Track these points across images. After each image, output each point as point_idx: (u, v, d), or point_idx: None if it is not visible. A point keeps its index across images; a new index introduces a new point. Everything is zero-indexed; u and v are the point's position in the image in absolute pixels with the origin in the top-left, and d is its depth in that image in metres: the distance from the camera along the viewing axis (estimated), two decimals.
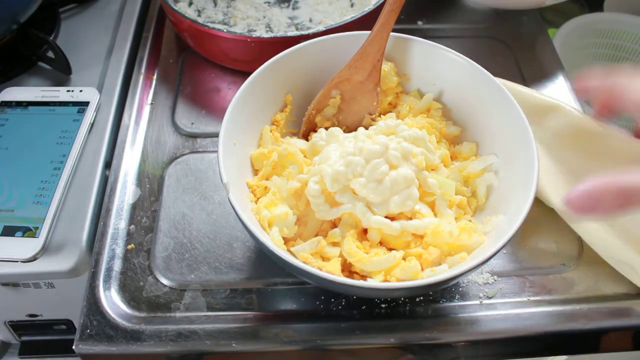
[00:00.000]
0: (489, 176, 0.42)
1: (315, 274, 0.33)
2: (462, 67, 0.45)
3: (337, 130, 0.44)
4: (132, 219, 0.48)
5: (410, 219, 0.39)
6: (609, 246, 0.43)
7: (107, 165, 0.53)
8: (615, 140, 0.48)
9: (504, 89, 0.42)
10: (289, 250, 0.39)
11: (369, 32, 0.47)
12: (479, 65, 0.44)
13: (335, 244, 0.40)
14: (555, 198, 0.45)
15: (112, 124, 0.56)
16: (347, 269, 0.39)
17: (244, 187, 0.42)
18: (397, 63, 0.48)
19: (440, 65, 0.46)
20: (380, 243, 0.40)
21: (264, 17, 0.64)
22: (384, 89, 0.48)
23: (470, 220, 0.41)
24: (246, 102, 0.43)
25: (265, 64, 0.44)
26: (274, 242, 0.37)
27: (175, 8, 0.58)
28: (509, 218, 0.37)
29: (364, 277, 0.38)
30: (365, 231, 0.40)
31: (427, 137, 0.42)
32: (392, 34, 0.47)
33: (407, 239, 0.39)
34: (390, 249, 0.39)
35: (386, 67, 0.47)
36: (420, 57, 0.47)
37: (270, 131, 0.45)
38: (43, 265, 0.45)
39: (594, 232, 0.43)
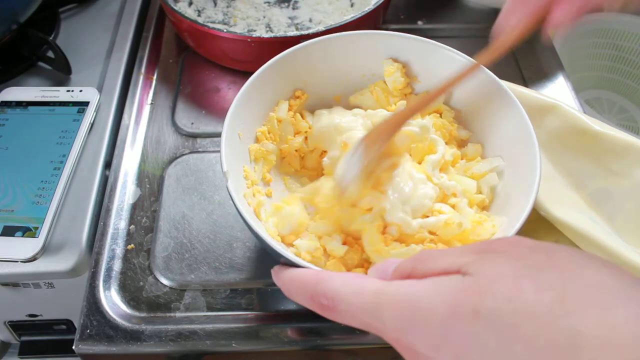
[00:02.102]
0: (492, 178, 0.42)
1: (309, 268, 0.33)
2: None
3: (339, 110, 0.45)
4: (132, 219, 0.48)
5: (427, 217, 0.39)
6: (609, 249, 0.42)
7: (107, 165, 0.53)
8: (613, 140, 0.48)
9: (511, 93, 0.42)
10: (289, 244, 0.39)
11: (372, 31, 0.47)
12: (485, 68, 0.44)
13: (345, 242, 0.40)
14: (549, 206, 0.45)
15: (112, 124, 0.56)
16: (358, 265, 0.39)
17: (242, 180, 0.42)
18: (406, 64, 0.48)
19: (447, 66, 0.46)
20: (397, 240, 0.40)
21: (264, 17, 0.64)
22: (391, 90, 0.48)
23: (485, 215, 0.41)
24: (253, 96, 0.43)
25: (276, 57, 0.44)
26: (268, 234, 0.37)
27: (175, 8, 0.58)
28: (510, 220, 0.38)
29: None
30: (385, 227, 0.40)
31: (431, 129, 0.43)
32: (401, 34, 0.46)
33: (423, 234, 0.39)
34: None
35: (393, 67, 0.47)
36: (429, 58, 0.47)
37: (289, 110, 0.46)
38: (43, 265, 0.45)
39: (591, 235, 0.43)
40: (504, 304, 0.21)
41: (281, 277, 0.33)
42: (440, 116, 0.47)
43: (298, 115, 0.47)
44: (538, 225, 0.46)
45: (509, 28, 0.35)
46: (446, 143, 0.45)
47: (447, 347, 0.22)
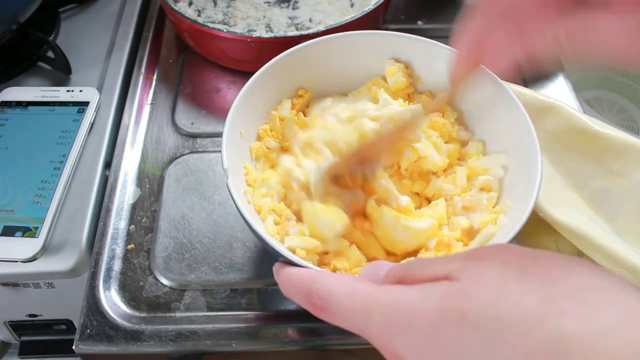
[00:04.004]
0: (497, 171, 0.42)
1: (308, 267, 0.33)
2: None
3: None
4: (132, 219, 0.48)
5: None
6: (607, 250, 0.42)
7: (107, 165, 0.53)
8: (613, 140, 0.48)
9: (514, 96, 0.42)
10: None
11: (376, 31, 0.47)
12: (487, 69, 0.44)
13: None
14: (548, 207, 0.45)
15: (112, 124, 0.56)
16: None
17: (243, 177, 0.42)
18: (409, 64, 0.48)
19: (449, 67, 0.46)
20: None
21: (264, 17, 0.64)
22: (393, 90, 0.48)
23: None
24: (255, 94, 0.43)
25: (279, 56, 0.44)
26: (267, 232, 0.37)
27: (175, 8, 0.58)
28: (510, 221, 0.38)
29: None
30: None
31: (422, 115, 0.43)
32: (403, 34, 0.46)
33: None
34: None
35: (394, 67, 0.47)
36: (432, 59, 0.46)
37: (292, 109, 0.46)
38: (43, 265, 0.45)
39: (591, 236, 0.43)
40: (488, 309, 0.21)
41: (280, 274, 0.33)
42: (442, 116, 0.47)
43: (301, 114, 0.47)
44: (538, 226, 0.46)
45: (455, 77, 0.37)
46: (445, 143, 0.45)
47: (431, 353, 0.22)
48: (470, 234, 0.40)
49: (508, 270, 0.22)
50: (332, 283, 0.28)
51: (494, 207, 0.41)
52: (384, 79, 0.48)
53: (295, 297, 0.31)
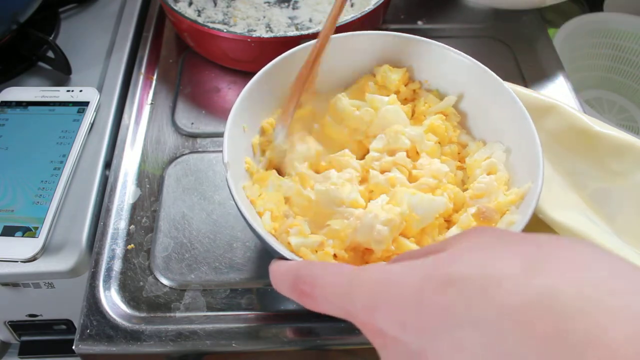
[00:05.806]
0: (498, 156, 0.42)
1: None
2: (474, 72, 0.45)
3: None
4: (132, 219, 0.48)
5: None
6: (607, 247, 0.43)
7: (107, 165, 0.53)
8: (613, 140, 0.48)
9: (519, 101, 0.42)
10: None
11: (377, 32, 0.47)
12: (490, 71, 0.44)
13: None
14: (548, 209, 0.45)
15: (112, 124, 0.56)
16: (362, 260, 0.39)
17: (243, 173, 0.42)
18: (412, 65, 0.47)
19: (448, 66, 0.46)
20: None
21: (264, 17, 0.64)
22: (394, 91, 0.47)
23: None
24: (261, 89, 0.43)
25: (282, 55, 0.44)
26: (264, 227, 0.37)
27: (175, 8, 0.58)
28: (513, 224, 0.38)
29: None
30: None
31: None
32: (406, 35, 0.46)
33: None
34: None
35: (385, 71, 0.47)
36: (432, 58, 0.46)
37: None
38: (43, 265, 0.45)
39: (590, 237, 0.43)
40: (475, 270, 0.20)
41: (270, 269, 0.32)
42: (447, 117, 0.46)
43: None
44: (537, 227, 0.46)
45: None
46: (444, 145, 0.45)
47: (413, 322, 0.21)
48: (486, 218, 0.38)
49: (495, 239, 0.22)
50: (318, 268, 0.27)
51: (508, 189, 0.41)
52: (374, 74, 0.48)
53: (283, 287, 0.30)
